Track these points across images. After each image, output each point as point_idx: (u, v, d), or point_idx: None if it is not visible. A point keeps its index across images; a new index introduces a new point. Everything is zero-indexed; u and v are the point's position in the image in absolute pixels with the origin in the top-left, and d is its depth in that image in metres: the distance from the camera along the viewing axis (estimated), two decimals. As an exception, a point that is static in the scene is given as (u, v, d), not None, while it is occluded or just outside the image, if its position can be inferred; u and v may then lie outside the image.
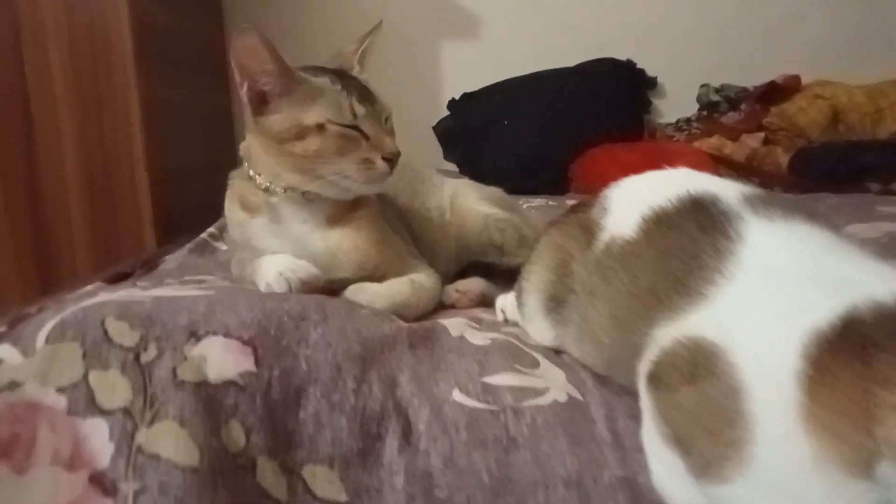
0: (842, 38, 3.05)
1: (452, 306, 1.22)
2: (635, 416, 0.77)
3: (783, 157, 2.73)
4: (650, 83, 3.19)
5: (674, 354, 0.71)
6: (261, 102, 1.07)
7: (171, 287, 0.86)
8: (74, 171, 2.44)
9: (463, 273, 1.31)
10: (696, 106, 3.07)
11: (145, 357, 0.68)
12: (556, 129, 2.99)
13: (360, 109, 1.07)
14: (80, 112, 2.41)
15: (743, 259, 0.72)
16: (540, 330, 1.00)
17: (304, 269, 1.02)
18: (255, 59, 1.04)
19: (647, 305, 0.79)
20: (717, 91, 2.99)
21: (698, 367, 0.66)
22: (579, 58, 3.13)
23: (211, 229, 1.46)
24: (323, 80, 1.07)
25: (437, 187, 1.38)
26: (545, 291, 0.98)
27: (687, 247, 0.78)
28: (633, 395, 0.82)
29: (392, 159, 1.08)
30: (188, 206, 2.70)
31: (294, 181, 1.08)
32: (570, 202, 2.68)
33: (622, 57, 3.13)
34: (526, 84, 3.11)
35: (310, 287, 1.01)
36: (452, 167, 3.18)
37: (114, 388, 0.66)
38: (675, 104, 3.16)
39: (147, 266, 1.28)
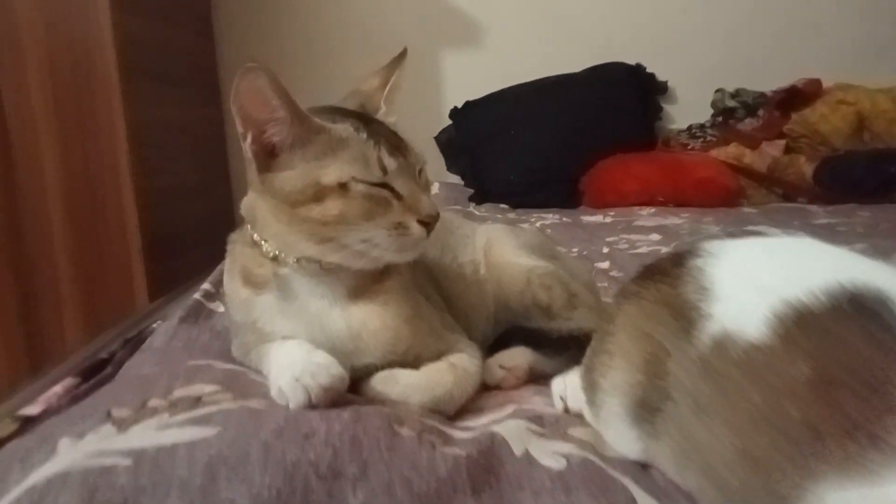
0: (860, 42, 2.84)
1: (497, 386, 0.99)
2: None
3: (807, 167, 2.53)
4: (661, 88, 2.98)
5: (875, 548, 0.48)
6: (268, 156, 0.84)
7: (157, 422, 0.63)
8: (57, 196, 2.20)
9: (503, 340, 1.08)
10: (709, 112, 2.87)
11: (117, 586, 0.45)
12: (564, 137, 2.78)
13: (390, 163, 0.84)
14: (62, 134, 2.17)
15: (964, 404, 0.49)
16: (623, 441, 0.77)
17: (324, 371, 0.78)
18: (264, 106, 0.81)
19: (800, 447, 0.56)
20: (733, 96, 2.77)
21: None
22: (586, 63, 2.92)
23: (206, 286, 1.22)
24: (345, 128, 0.84)
25: (468, 237, 1.14)
26: (631, 395, 0.76)
27: (860, 372, 0.55)
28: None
29: (429, 223, 0.85)
30: (180, 229, 2.47)
31: (311, 251, 0.85)
32: (586, 218, 2.48)
33: (631, 61, 2.92)
34: (531, 91, 2.89)
35: (333, 393, 0.78)
36: (456, 179, 2.96)
37: None
38: (686, 110, 2.95)
39: (132, 343, 1.04)
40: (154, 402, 0.68)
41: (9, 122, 2.15)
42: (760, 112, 2.70)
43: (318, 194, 0.81)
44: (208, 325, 1.07)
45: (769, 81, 2.77)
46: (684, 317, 0.74)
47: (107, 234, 2.21)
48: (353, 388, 0.87)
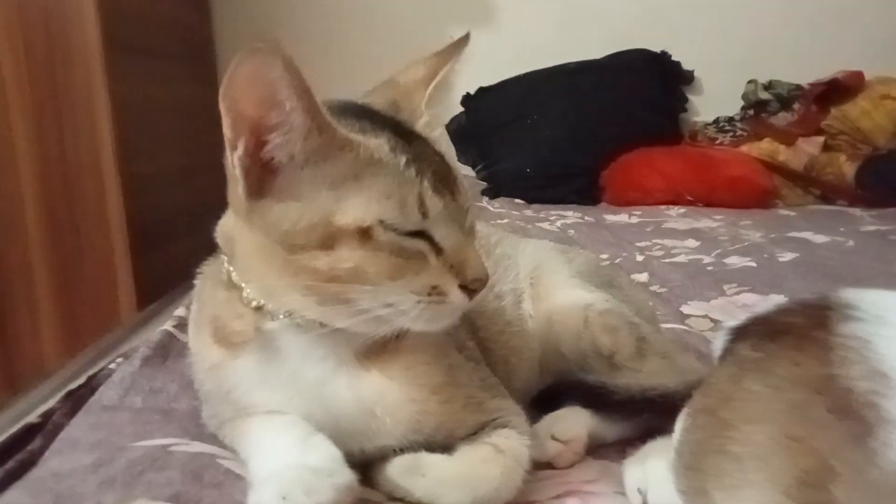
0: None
1: (548, 464, 0.73)
2: None
3: (848, 167, 2.28)
4: (686, 77, 2.73)
5: None
6: (264, 173, 0.57)
7: None
8: (30, 181, 1.92)
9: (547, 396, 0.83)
10: (738, 104, 2.62)
11: None
12: (583, 128, 2.55)
13: (434, 204, 0.58)
14: (36, 113, 1.89)
15: None
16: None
17: (325, 481, 0.53)
18: (272, 107, 0.54)
19: None
20: (766, 88, 2.50)
21: None
22: (607, 49, 2.68)
23: (181, 311, 0.96)
24: (378, 146, 0.58)
25: (509, 259, 0.89)
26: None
27: None
28: None
29: (475, 289, 0.59)
30: (166, 216, 2.21)
31: (308, 311, 0.59)
32: (609, 217, 2.23)
33: (655, 48, 2.68)
34: (549, 78, 2.66)
35: (337, 512, 0.53)
36: (468, 171, 2.69)
37: None
38: (714, 101, 2.70)
39: (76, 398, 0.78)
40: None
41: (-23, 99, 1.87)
42: (796, 106, 2.44)
43: (329, 239, 0.55)
44: (178, 369, 0.81)
45: (804, 73, 2.51)
46: (854, 416, 0.50)
47: (86, 225, 1.94)
48: (363, 473, 0.63)
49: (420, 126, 0.65)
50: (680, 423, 0.62)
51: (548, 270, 0.88)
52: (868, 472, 0.47)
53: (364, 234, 0.55)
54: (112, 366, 0.85)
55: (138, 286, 1.94)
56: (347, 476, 0.56)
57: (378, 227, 0.55)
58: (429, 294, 0.57)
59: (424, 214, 0.57)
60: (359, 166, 0.56)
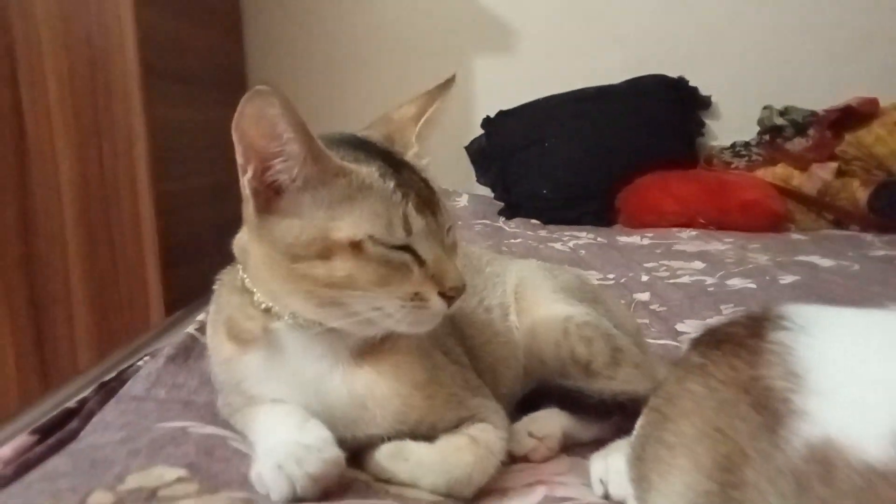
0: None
1: (525, 458, 0.82)
2: None
3: (861, 192, 2.34)
4: (703, 103, 2.79)
5: None
6: (271, 194, 0.68)
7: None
8: (70, 198, 2.07)
9: (533, 399, 0.92)
10: (754, 129, 2.67)
11: None
12: (600, 152, 2.63)
13: (417, 223, 0.68)
14: (78, 135, 2.03)
15: None
16: (682, 560, 0.61)
17: (314, 456, 0.64)
18: (272, 138, 0.66)
19: None
20: (782, 114, 2.57)
21: None
22: (626, 74, 2.75)
23: (202, 317, 1.07)
24: (369, 173, 0.69)
25: (497, 277, 0.98)
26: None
27: None
28: None
29: (453, 296, 0.70)
30: (195, 232, 2.33)
31: (308, 313, 0.70)
32: (622, 238, 2.30)
33: (673, 74, 2.75)
34: (567, 102, 2.73)
35: (325, 482, 0.63)
36: (486, 191, 2.80)
37: None
38: (730, 127, 2.76)
39: (107, 389, 0.89)
40: (97, 498, 0.53)
41: (25, 120, 2.03)
42: (811, 132, 2.50)
43: (326, 251, 0.66)
44: (198, 367, 0.92)
45: (820, 99, 2.56)
46: (769, 410, 0.58)
47: (122, 239, 2.08)
48: (355, 457, 0.73)
49: (410, 156, 0.75)
50: (638, 422, 0.71)
51: (532, 286, 0.97)
52: (776, 457, 0.56)
53: (356, 248, 0.65)
54: (140, 363, 0.96)
55: (167, 296, 2.07)
56: (335, 452, 0.65)
57: (368, 242, 0.66)
58: (412, 300, 0.67)
59: (408, 231, 0.67)
60: (352, 190, 0.67)
